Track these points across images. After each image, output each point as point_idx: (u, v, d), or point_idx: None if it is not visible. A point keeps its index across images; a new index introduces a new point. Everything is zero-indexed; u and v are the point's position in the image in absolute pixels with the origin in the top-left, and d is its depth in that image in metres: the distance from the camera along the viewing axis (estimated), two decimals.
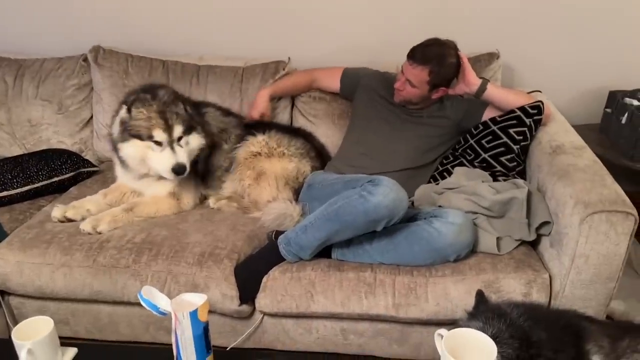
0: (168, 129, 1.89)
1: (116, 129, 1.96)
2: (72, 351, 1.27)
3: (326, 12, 2.48)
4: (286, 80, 2.34)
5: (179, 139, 1.93)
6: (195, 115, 2.03)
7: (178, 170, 1.90)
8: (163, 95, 1.93)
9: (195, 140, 2.00)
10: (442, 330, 1.14)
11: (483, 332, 1.17)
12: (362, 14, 2.47)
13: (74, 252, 1.81)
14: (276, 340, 1.82)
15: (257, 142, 2.14)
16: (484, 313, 1.30)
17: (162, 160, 1.90)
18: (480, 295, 1.41)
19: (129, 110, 1.90)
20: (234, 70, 2.39)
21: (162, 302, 1.07)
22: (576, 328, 1.34)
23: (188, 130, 1.96)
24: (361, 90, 2.24)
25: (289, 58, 2.42)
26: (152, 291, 1.08)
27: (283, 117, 2.40)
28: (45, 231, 1.90)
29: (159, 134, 1.88)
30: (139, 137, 1.89)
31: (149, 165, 1.94)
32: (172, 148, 1.91)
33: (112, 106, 2.38)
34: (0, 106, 2.44)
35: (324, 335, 1.79)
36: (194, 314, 1.05)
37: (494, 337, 1.12)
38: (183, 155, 1.92)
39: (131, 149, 1.92)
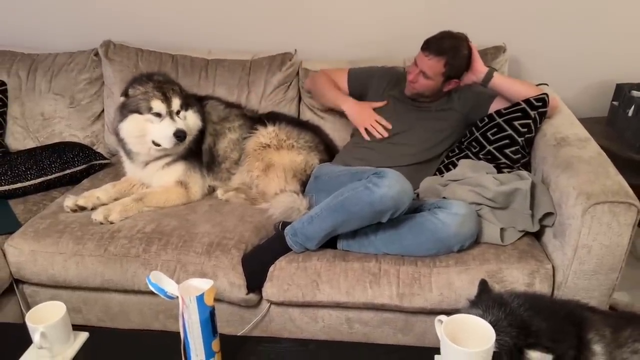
0: (166, 101, 1.95)
1: (115, 117, 2.03)
2: (84, 335, 1.30)
3: (333, 5, 2.50)
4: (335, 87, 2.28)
5: (177, 112, 1.99)
6: (194, 101, 2.11)
7: (179, 134, 1.94)
8: (158, 76, 2.03)
9: (193, 118, 2.07)
10: (442, 317, 1.16)
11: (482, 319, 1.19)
12: (369, 7, 2.49)
13: (85, 241, 1.85)
14: (283, 328, 1.86)
15: (267, 133, 2.17)
16: (485, 301, 1.32)
17: (163, 129, 1.95)
18: (483, 284, 1.43)
19: (125, 94, 1.98)
20: (242, 63, 2.42)
21: (170, 286, 1.10)
22: (578, 318, 1.35)
23: (185, 107, 2.02)
24: (372, 92, 2.24)
25: (295, 50, 2.44)
26: (160, 276, 1.11)
27: (290, 111, 2.43)
28: (58, 221, 1.95)
29: (158, 105, 1.94)
30: (138, 112, 1.95)
31: (149, 138, 1.98)
32: (172, 118, 1.96)
33: None
34: (14, 100, 2.50)
35: (330, 324, 1.81)
36: (200, 298, 1.08)
37: (493, 325, 1.14)
38: (182, 123, 1.98)
39: (131, 124, 1.97)
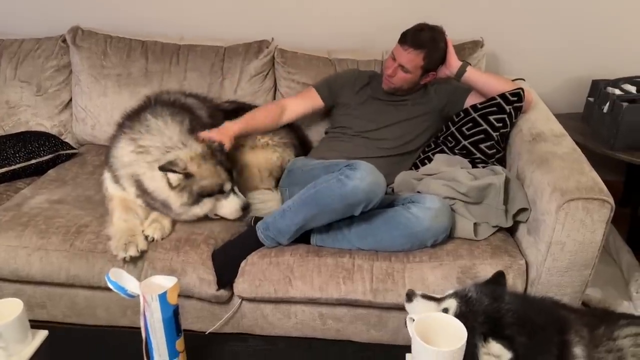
0: (230, 176, 1.80)
1: (171, 198, 1.72)
2: (43, 334, 1.25)
3: None
4: (254, 115, 2.08)
5: None
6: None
7: (245, 207, 1.84)
8: (211, 142, 1.78)
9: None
10: (414, 315, 1.14)
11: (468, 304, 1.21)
12: None
13: (50, 235, 1.78)
14: (255, 325, 1.82)
15: None
16: (483, 289, 1.32)
17: (231, 206, 1.81)
18: (498, 275, 1.44)
19: (187, 176, 1.69)
20: (215, 49, 2.37)
21: (131, 284, 1.06)
22: (560, 322, 1.35)
23: None
24: (342, 91, 2.20)
25: (273, 38, 2.40)
26: (120, 273, 1.06)
27: (267, 101, 2.37)
28: (22, 213, 1.88)
29: (227, 185, 1.79)
30: (211, 195, 1.76)
31: (214, 213, 1.83)
32: (234, 192, 1.83)
33: (90, 88, 2.37)
34: None
35: (303, 320, 1.79)
36: (163, 297, 1.03)
37: (468, 310, 1.17)
38: (240, 195, 1.85)
39: (205, 207, 1.78)
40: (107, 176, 1.90)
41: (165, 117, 1.79)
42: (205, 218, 1.86)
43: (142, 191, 1.77)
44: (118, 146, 1.80)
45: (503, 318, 1.27)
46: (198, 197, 1.73)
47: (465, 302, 1.29)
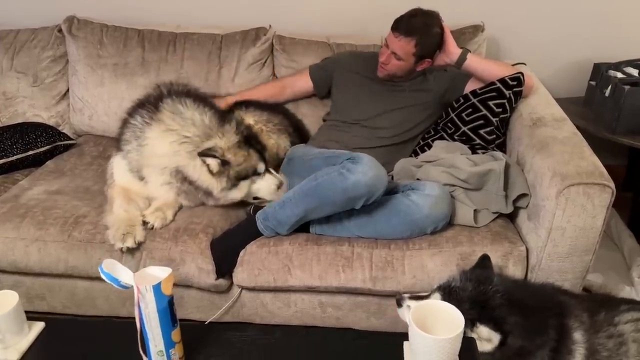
0: (262, 157, 1.87)
1: (212, 184, 1.78)
2: (39, 325, 1.24)
3: None
4: (254, 92, 2.25)
5: None
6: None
7: (279, 185, 1.90)
8: (238, 126, 1.85)
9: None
10: (411, 302, 1.13)
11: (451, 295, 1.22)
12: None
13: (48, 226, 1.78)
14: (255, 314, 1.82)
15: None
16: (469, 275, 1.32)
17: (268, 186, 1.88)
18: (483, 259, 1.47)
19: (224, 163, 1.75)
20: (212, 37, 2.35)
21: (125, 275, 1.05)
22: (559, 307, 1.35)
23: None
24: (338, 75, 2.19)
25: (270, 25, 2.38)
26: (114, 264, 1.05)
27: None
28: (19, 205, 1.87)
29: (261, 166, 1.87)
30: (245, 178, 1.83)
31: (253, 196, 1.89)
32: (269, 171, 1.89)
33: (87, 78, 2.35)
34: None
35: (302, 308, 1.78)
36: (157, 288, 1.02)
37: (458, 296, 1.18)
38: (274, 171, 1.93)
39: (243, 190, 1.84)
40: (120, 164, 1.89)
41: (200, 107, 1.82)
42: (204, 207, 1.86)
43: (182, 181, 1.80)
44: (148, 136, 1.78)
45: (490, 301, 1.27)
46: (235, 180, 1.80)
47: (449, 293, 1.29)
